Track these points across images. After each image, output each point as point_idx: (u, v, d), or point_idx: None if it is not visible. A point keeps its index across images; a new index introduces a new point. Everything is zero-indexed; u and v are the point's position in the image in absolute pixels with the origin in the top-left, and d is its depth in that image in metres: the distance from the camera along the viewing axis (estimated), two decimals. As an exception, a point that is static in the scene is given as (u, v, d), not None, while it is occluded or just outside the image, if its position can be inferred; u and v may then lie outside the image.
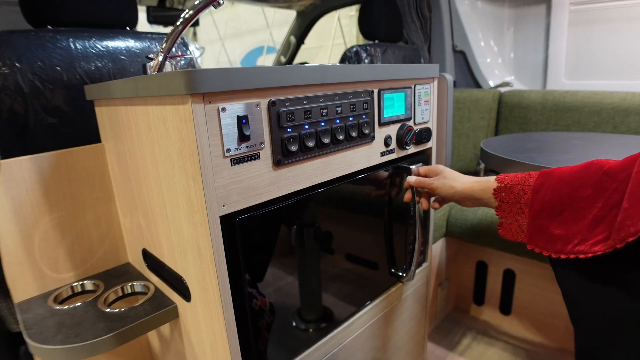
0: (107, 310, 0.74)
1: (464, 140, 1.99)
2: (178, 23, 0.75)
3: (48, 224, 0.80)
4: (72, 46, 0.91)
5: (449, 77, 1.01)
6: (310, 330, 0.77)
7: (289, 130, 0.61)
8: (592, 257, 0.56)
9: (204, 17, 5.54)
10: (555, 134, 1.49)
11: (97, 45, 0.94)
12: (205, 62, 5.72)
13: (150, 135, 0.63)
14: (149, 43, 1.03)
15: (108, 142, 0.83)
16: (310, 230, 0.72)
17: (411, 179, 0.84)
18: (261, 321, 0.66)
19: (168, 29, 1.92)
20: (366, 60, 1.73)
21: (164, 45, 0.77)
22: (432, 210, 1.05)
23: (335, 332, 0.81)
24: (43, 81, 0.86)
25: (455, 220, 1.52)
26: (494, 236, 1.44)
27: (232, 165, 0.55)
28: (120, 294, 0.82)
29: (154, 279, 0.81)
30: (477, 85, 2.11)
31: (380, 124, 0.79)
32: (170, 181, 0.61)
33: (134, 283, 0.83)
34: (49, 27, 0.91)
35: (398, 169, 0.87)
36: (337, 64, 0.68)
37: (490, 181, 0.71)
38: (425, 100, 0.90)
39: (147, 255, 0.82)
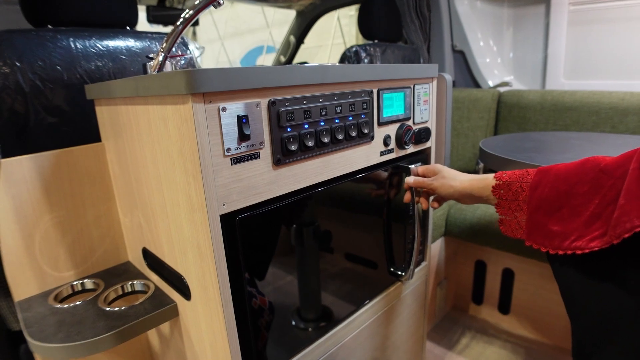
0: (108, 308, 0.74)
1: (463, 139, 1.99)
2: (178, 23, 0.75)
3: (48, 222, 0.81)
4: (73, 46, 0.91)
5: (448, 77, 1.02)
6: (310, 329, 0.77)
7: (288, 129, 0.61)
8: (590, 253, 0.57)
9: (204, 16, 5.54)
10: (553, 133, 1.50)
11: (98, 45, 0.95)
12: (205, 61, 5.72)
13: (150, 135, 0.63)
14: (149, 43, 1.03)
15: (108, 141, 0.84)
16: (310, 230, 0.72)
17: (410, 180, 0.85)
18: (261, 320, 0.66)
19: (168, 29, 1.93)
20: (366, 60, 1.73)
21: (164, 45, 0.78)
22: (431, 210, 1.06)
23: (334, 331, 0.81)
24: (43, 80, 0.86)
25: (454, 219, 1.53)
26: (493, 235, 1.44)
27: (232, 165, 0.55)
28: (120, 292, 0.82)
29: (154, 277, 0.82)
30: (477, 85, 2.11)
31: (380, 124, 0.79)
32: (171, 180, 0.61)
33: (134, 282, 0.83)
34: (49, 26, 0.92)
35: (397, 168, 0.88)
36: (337, 64, 0.68)
37: (489, 179, 0.72)
38: (425, 100, 0.91)
39: (147, 254, 0.82)
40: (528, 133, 1.56)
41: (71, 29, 0.93)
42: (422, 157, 0.95)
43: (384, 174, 0.86)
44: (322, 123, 0.66)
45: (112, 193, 0.88)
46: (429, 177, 0.83)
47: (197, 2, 0.73)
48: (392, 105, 0.81)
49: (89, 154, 0.84)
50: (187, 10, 0.73)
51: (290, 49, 2.71)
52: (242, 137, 0.55)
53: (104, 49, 0.95)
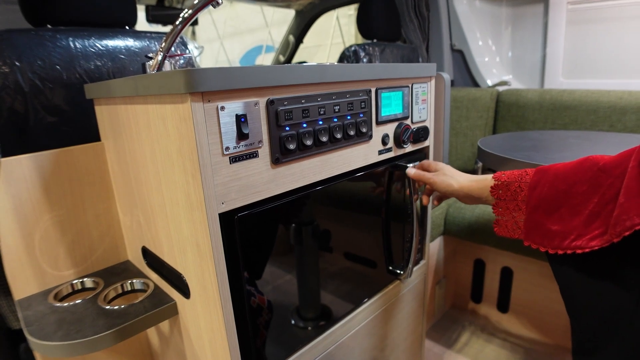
0: (107, 307, 0.74)
1: (461, 139, 2.00)
2: (177, 22, 0.75)
3: (48, 221, 0.81)
4: (72, 45, 0.91)
5: (446, 76, 1.02)
6: (309, 328, 0.78)
7: (287, 128, 0.61)
8: (589, 252, 0.57)
9: (203, 16, 5.54)
10: (551, 132, 1.50)
11: (97, 44, 0.95)
12: (204, 61, 5.72)
13: (149, 134, 0.63)
14: (148, 42, 1.04)
15: (108, 140, 0.84)
16: (309, 229, 0.72)
17: (411, 171, 0.85)
18: (259, 318, 0.66)
19: (167, 28, 1.93)
20: (364, 60, 1.73)
21: (163, 44, 0.78)
22: (429, 209, 1.06)
23: (332, 329, 0.82)
24: (43, 80, 0.86)
25: (453, 218, 1.53)
26: (492, 234, 1.45)
27: (230, 164, 0.56)
28: (120, 291, 0.82)
29: (154, 276, 0.82)
30: (475, 84, 2.12)
31: (378, 123, 0.80)
32: (170, 179, 0.61)
33: (134, 280, 0.83)
34: (49, 26, 0.92)
35: (395, 167, 0.88)
36: (335, 63, 0.69)
37: (488, 179, 0.72)
38: (423, 99, 0.91)
39: (146, 253, 0.83)
40: (526, 132, 1.57)
41: (70, 29, 0.93)
42: (421, 156, 0.96)
43: (383, 173, 0.86)
44: (321, 122, 0.66)
45: (112, 192, 0.88)
46: (431, 172, 0.83)
47: (195, 2, 0.73)
48: (390, 105, 0.82)
49: (89, 153, 0.84)
50: (186, 10, 0.74)
51: (290, 49, 2.71)
52: (241, 136, 0.56)
53: (103, 48, 0.96)
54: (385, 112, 0.80)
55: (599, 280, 0.58)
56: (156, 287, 0.80)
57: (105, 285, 0.83)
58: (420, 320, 1.15)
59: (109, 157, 0.85)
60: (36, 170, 0.78)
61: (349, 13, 3.98)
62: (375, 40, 1.84)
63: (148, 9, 1.80)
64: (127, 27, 1.04)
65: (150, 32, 1.06)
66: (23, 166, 0.76)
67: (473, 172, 0.88)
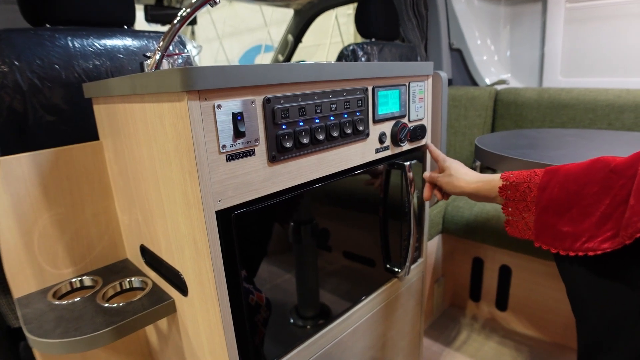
0: (106, 305, 0.75)
1: (460, 138, 2.00)
2: (175, 21, 0.76)
3: (47, 220, 0.81)
4: (71, 44, 0.91)
5: (444, 75, 1.02)
6: (308, 326, 0.78)
7: (283, 126, 0.62)
8: (601, 254, 0.56)
9: (202, 15, 5.54)
10: (548, 130, 1.51)
11: (95, 44, 0.95)
12: (204, 60, 5.72)
13: (147, 132, 0.64)
14: (146, 41, 1.04)
15: (106, 139, 0.84)
16: (306, 227, 0.73)
17: (426, 175, 0.89)
18: (257, 316, 0.67)
19: (166, 28, 1.93)
20: (363, 59, 1.74)
21: (161, 43, 0.78)
22: (427, 207, 1.06)
23: (330, 327, 0.82)
24: (42, 79, 0.87)
25: (451, 217, 1.53)
26: (490, 233, 1.45)
27: (227, 161, 0.56)
28: (118, 289, 0.83)
29: (152, 274, 0.82)
30: (474, 83, 2.12)
31: (375, 121, 0.80)
32: (167, 177, 0.62)
33: (132, 278, 0.84)
34: (48, 25, 0.92)
35: (393, 165, 0.88)
36: (332, 62, 0.69)
37: (495, 180, 0.72)
38: (420, 98, 0.91)
39: (145, 251, 0.83)
40: (523, 130, 1.57)
41: (69, 28, 0.93)
42: (418, 154, 0.96)
43: (380, 171, 0.86)
44: (317, 120, 0.67)
45: (110, 191, 0.89)
46: (439, 169, 0.85)
47: (193, 1, 0.74)
48: (387, 103, 0.82)
49: (87, 152, 0.84)
50: (184, 9, 0.74)
51: (288, 48, 2.71)
52: (237, 134, 0.56)
53: (102, 47, 0.96)
54: (382, 111, 0.81)
55: (610, 282, 0.57)
56: (154, 285, 0.81)
57: (104, 283, 0.83)
58: (419, 318, 1.15)
59: (108, 156, 0.86)
60: (35, 169, 0.78)
61: (347, 12, 3.99)
62: (373, 40, 1.85)
63: (147, 9, 1.80)
64: (125, 27, 1.04)
65: (149, 32, 1.07)
66: (22, 165, 0.77)
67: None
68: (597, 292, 0.59)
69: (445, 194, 0.86)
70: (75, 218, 0.85)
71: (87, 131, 0.90)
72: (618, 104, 1.59)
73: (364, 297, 0.91)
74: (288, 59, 2.74)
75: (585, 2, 1.83)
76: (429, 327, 1.60)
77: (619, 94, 1.60)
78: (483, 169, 1.86)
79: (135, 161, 0.73)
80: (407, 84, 0.86)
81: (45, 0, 0.90)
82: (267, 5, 2.48)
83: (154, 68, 0.79)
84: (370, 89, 0.77)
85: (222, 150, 0.55)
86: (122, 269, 0.90)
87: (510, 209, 0.69)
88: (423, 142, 0.96)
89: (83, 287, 0.85)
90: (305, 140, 0.65)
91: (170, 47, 0.80)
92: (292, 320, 0.75)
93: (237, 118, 0.55)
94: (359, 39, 1.94)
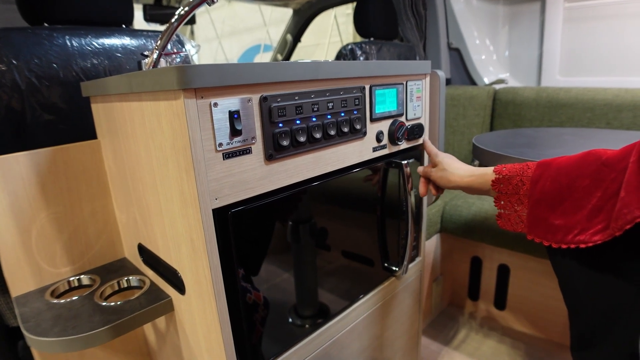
0: (104, 303, 0.75)
1: (458, 137, 2.00)
2: (173, 20, 0.76)
3: (45, 219, 0.81)
4: (69, 43, 0.92)
5: (441, 74, 1.02)
6: (307, 325, 0.78)
7: (280, 125, 0.62)
8: (592, 246, 0.57)
9: (201, 15, 5.54)
10: (546, 129, 1.51)
11: (93, 43, 0.95)
12: (202, 60, 5.72)
13: (144, 131, 0.64)
14: (144, 40, 1.04)
15: (104, 138, 0.84)
16: (306, 227, 0.73)
17: (420, 169, 0.89)
18: (255, 315, 0.67)
19: (164, 27, 1.93)
20: (361, 58, 1.74)
21: (159, 42, 0.79)
22: (425, 206, 1.07)
23: (328, 326, 0.82)
24: (40, 78, 0.87)
25: (450, 216, 1.54)
26: (489, 232, 1.45)
27: (224, 160, 0.56)
28: (116, 288, 0.83)
29: (150, 273, 0.83)
30: (472, 82, 2.12)
31: (372, 120, 0.80)
32: (164, 175, 0.62)
33: (130, 277, 0.84)
34: (46, 24, 0.92)
35: (390, 164, 0.88)
36: (329, 61, 0.69)
37: (488, 173, 0.72)
38: (417, 97, 0.92)
39: (142, 250, 0.83)
40: (521, 129, 1.57)
41: (67, 27, 0.93)
42: (416, 153, 0.96)
43: (377, 170, 0.86)
44: (314, 119, 0.67)
45: (108, 190, 0.89)
46: (432, 165, 0.85)
47: (191, 0, 0.74)
48: (385, 102, 0.82)
49: (85, 151, 0.85)
50: (182, 8, 0.74)
51: (287, 48, 2.72)
52: (234, 132, 0.56)
53: (100, 47, 0.96)
54: (379, 109, 0.81)
55: (601, 273, 0.58)
56: (152, 283, 0.81)
57: (102, 282, 0.83)
58: (417, 317, 1.15)
59: (105, 155, 0.86)
60: (33, 167, 0.78)
61: (346, 12, 3.99)
62: (372, 39, 1.85)
63: (145, 8, 1.80)
64: (123, 26, 1.04)
65: (147, 31, 1.07)
66: (20, 164, 0.77)
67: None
68: (590, 284, 0.60)
69: (439, 188, 0.87)
70: (73, 217, 0.85)
71: (85, 130, 0.90)
72: (616, 103, 1.60)
73: (361, 296, 0.91)
74: (287, 58, 2.74)
75: (584, 2, 1.83)
76: (428, 326, 1.60)
77: (617, 93, 1.60)
78: (481, 168, 1.86)
79: (132, 160, 0.73)
80: (404, 82, 0.87)
81: (43, 0, 0.90)
82: (266, 4, 2.49)
83: (151, 67, 0.80)
84: (367, 87, 0.77)
85: (218, 149, 0.55)
86: (120, 267, 0.90)
87: (502, 202, 0.70)
88: (420, 140, 0.96)
89: (81, 286, 0.85)
90: (302, 139, 0.65)
91: (169, 46, 0.80)
92: (290, 320, 0.75)
93: (233, 116, 0.55)
94: (358, 39, 1.94)
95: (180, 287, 0.70)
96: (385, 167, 0.88)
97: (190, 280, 0.65)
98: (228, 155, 0.56)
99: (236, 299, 0.63)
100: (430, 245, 1.52)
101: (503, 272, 1.54)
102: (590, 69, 1.88)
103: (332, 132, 0.70)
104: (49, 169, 0.80)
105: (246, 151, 0.58)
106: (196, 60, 1.20)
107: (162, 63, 0.82)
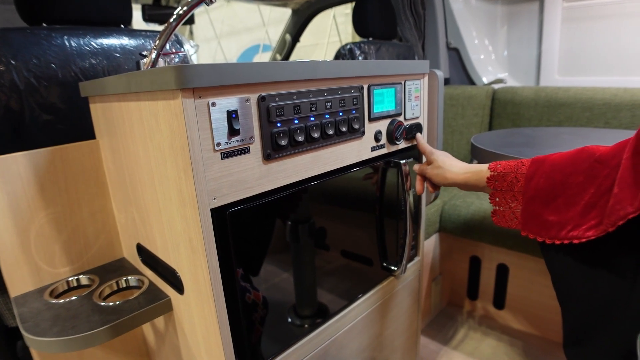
0: (102, 303, 0.75)
1: (457, 136, 2.00)
2: (171, 20, 0.76)
3: (44, 219, 0.81)
4: (67, 44, 0.92)
5: (440, 73, 1.02)
6: (306, 325, 0.78)
7: (278, 124, 0.62)
8: (585, 242, 0.57)
9: (200, 15, 5.54)
10: (545, 129, 1.51)
11: (92, 43, 0.95)
12: (202, 60, 5.72)
13: (142, 131, 0.64)
14: (143, 40, 1.04)
15: (103, 138, 0.84)
16: (305, 226, 0.73)
17: (415, 167, 0.89)
18: (254, 314, 0.67)
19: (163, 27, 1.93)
20: (360, 58, 1.74)
21: (158, 42, 0.79)
22: (423, 205, 1.07)
23: (327, 325, 0.82)
24: (38, 78, 0.87)
25: (449, 215, 1.54)
26: (487, 231, 1.46)
27: (222, 159, 0.56)
28: (115, 288, 0.83)
29: (149, 273, 0.83)
30: (471, 82, 2.12)
31: (371, 119, 0.80)
32: (163, 175, 0.62)
33: (129, 277, 0.84)
34: (44, 24, 0.92)
35: (389, 163, 0.88)
36: (327, 60, 0.69)
37: (483, 170, 0.73)
38: (416, 96, 0.92)
39: (141, 250, 0.83)
40: (520, 129, 1.57)
41: (66, 27, 0.93)
42: (414, 152, 0.96)
43: (376, 170, 0.87)
44: (312, 118, 0.67)
45: (107, 189, 0.89)
46: (427, 162, 0.86)
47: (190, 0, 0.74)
48: (383, 101, 0.82)
49: (84, 151, 0.85)
50: (180, 7, 0.74)
51: (286, 48, 2.72)
52: (232, 132, 0.56)
53: (99, 47, 0.96)
54: (377, 109, 0.81)
55: (594, 269, 0.58)
56: (151, 283, 0.81)
57: (101, 282, 0.83)
58: (416, 317, 1.15)
59: (104, 155, 0.86)
60: (31, 167, 0.78)
61: (345, 12, 3.99)
62: (371, 39, 1.85)
63: (144, 8, 1.80)
64: (122, 26, 1.04)
65: (145, 31, 1.07)
66: (18, 164, 0.77)
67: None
68: (583, 280, 0.60)
69: (435, 186, 0.87)
70: (71, 217, 0.85)
71: (83, 130, 0.90)
72: (615, 102, 1.60)
73: (360, 295, 0.91)
74: (286, 58, 2.75)
75: (582, 2, 1.84)
76: (427, 325, 1.60)
77: (616, 92, 1.61)
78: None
79: (131, 160, 0.73)
80: (402, 82, 0.87)
81: (42, 0, 0.90)
82: (265, 4, 2.49)
83: (150, 67, 0.80)
84: (365, 87, 0.77)
85: (216, 148, 0.55)
86: (119, 267, 0.90)
87: (497, 199, 0.70)
88: (419, 140, 0.96)
89: (80, 286, 0.85)
90: (300, 138, 0.65)
91: (167, 46, 0.80)
92: (289, 319, 0.75)
93: (231, 116, 0.56)
94: (357, 39, 1.94)
95: (179, 287, 0.70)
96: (383, 167, 0.88)
97: (188, 280, 0.66)
98: (226, 154, 0.56)
99: (235, 299, 0.63)
100: (429, 244, 1.52)
101: (502, 272, 1.55)
102: (589, 68, 1.88)
103: (331, 132, 0.70)
104: (48, 169, 0.80)
105: (244, 151, 0.59)
106: (195, 60, 1.20)
107: (161, 63, 0.82)
